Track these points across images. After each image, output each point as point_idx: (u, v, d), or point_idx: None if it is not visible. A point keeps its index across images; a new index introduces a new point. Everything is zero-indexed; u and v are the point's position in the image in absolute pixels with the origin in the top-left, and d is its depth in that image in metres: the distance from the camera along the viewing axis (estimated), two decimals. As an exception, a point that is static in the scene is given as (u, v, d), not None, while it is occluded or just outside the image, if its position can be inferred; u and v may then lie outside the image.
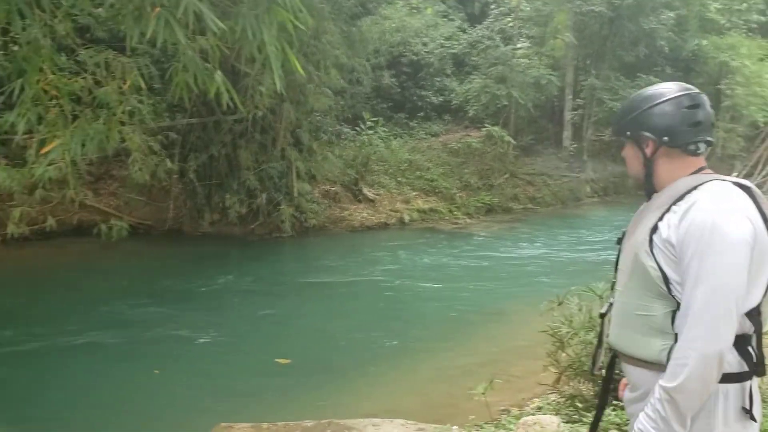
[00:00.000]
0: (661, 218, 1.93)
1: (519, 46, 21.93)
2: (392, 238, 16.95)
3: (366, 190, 17.99)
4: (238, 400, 7.39)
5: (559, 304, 5.31)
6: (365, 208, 17.72)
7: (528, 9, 24.30)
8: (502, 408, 7.06)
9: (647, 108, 2.04)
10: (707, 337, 1.77)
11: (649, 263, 1.92)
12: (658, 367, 1.89)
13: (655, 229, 1.93)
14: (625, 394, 2.16)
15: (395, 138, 21.33)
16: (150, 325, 9.96)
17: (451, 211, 18.83)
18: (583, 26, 22.62)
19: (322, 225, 16.56)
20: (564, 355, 5.13)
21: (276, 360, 7.95)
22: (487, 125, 20.98)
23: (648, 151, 2.05)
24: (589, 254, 14.82)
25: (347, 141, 18.92)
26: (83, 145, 3.28)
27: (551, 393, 7.72)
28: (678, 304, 1.88)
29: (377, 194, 18.27)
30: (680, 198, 1.93)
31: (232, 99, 3.61)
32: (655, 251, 1.91)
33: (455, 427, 5.83)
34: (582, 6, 19.70)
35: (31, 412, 6.96)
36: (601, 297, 4.92)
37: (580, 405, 5.06)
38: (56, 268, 13.35)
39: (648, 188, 2.09)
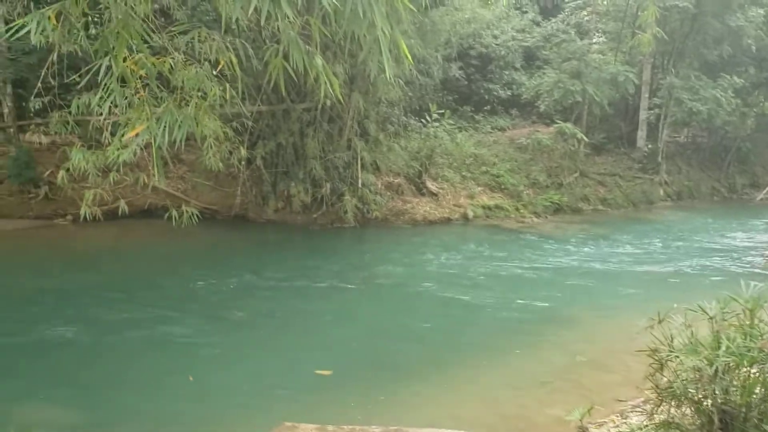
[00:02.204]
0: None
1: (595, 41, 21.08)
2: (455, 234, 16.55)
3: (430, 184, 17.62)
4: (298, 398, 7.21)
5: (660, 322, 4.82)
6: (428, 201, 17.37)
7: (605, 3, 23.41)
8: (580, 425, 6.65)
9: None
10: None
11: None
12: None
13: None
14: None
15: (460, 131, 20.89)
16: (202, 314, 9.97)
17: (517, 209, 18.28)
18: (664, 22, 21.52)
19: (384, 217, 16.31)
20: (664, 378, 4.66)
21: (316, 372, 7.73)
22: (557, 121, 20.29)
23: None
24: (663, 263, 14.08)
25: (412, 132, 18.57)
26: (170, 132, 3.08)
27: (633, 412, 7.27)
28: None
29: (441, 188, 17.89)
30: None
31: (330, 85, 3.33)
32: None
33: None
34: (665, 0, 18.71)
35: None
36: (712, 318, 4.43)
37: (676, 434, 4.62)
38: (122, 250, 13.61)
39: None
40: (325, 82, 3.34)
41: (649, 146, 22.21)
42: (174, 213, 6.69)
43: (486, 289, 12.09)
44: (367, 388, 7.50)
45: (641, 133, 22.40)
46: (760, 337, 4.07)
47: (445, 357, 9.00)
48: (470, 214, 17.36)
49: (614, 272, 13.46)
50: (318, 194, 15.16)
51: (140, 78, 3.31)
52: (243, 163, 13.54)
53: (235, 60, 3.49)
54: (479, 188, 18.46)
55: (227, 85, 4.15)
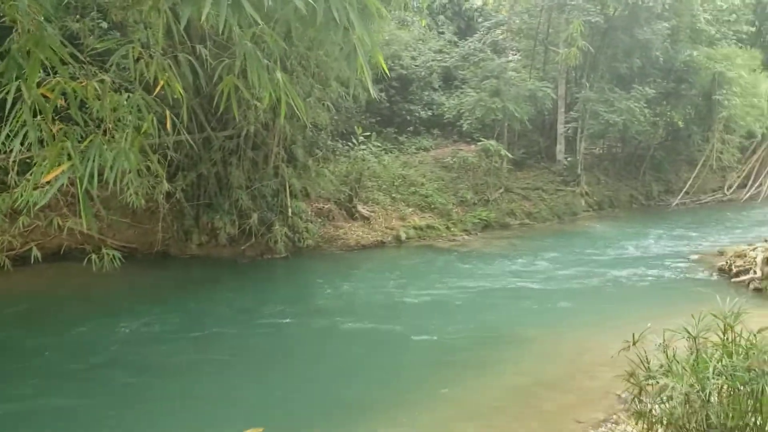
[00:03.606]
0: None
1: (510, 58, 21.47)
2: (389, 257, 16.22)
3: (361, 207, 17.27)
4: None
5: (634, 343, 4.59)
6: (360, 225, 17.00)
7: (518, 22, 23.96)
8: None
9: None
10: None
11: None
12: None
13: None
14: None
15: (387, 153, 20.71)
16: (114, 364, 9.19)
17: (448, 228, 18.18)
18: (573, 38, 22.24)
19: (317, 244, 15.81)
20: (652, 405, 4.40)
21: None
22: (480, 139, 20.46)
23: None
24: (594, 274, 14.21)
25: (340, 156, 18.21)
26: (93, 169, 2.56)
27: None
28: None
29: (372, 211, 17.57)
30: None
31: (295, 107, 2.89)
32: None
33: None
34: (577, 17, 19.28)
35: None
36: (695, 338, 4.22)
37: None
38: (31, 297, 12.43)
39: None
40: (288, 103, 2.91)
41: (569, 159, 22.72)
42: (94, 257, 6.05)
43: (425, 315, 11.74)
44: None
45: (560, 147, 22.90)
46: (745, 355, 3.90)
47: (392, 394, 8.56)
48: (403, 235, 17.10)
49: (550, 286, 13.47)
50: (245, 225, 14.47)
51: (59, 107, 2.78)
52: (163, 196, 12.72)
53: (179, 86, 3.00)
54: (410, 209, 18.26)
55: (167, 112, 3.62)
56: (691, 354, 4.22)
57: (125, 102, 3.12)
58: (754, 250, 12.81)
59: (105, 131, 2.84)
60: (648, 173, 24.22)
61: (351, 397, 8.31)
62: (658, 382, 4.08)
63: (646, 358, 4.58)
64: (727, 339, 4.25)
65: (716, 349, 4.19)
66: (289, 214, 14.72)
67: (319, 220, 16.21)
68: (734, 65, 20.48)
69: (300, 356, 9.92)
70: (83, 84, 2.81)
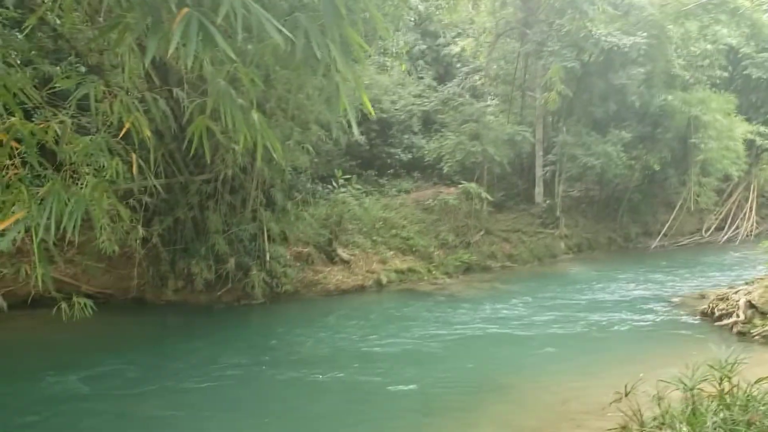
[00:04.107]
0: None
1: (489, 103, 21.68)
2: (369, 302, 15.95)
3: (340, 251, 17.04)
4: None
5: (627, 394, 4.40)
6: (340, 270, 16.74)
7: (495, 68, 24.32)
8: None
9: None
10: None
11: None
12: None
13: None
14: None
15: (367, 195, 20.63)
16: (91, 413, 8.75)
17: (429, 271, 18.00)
18: (552, 83, 22.57)
19: (295, 290, 15.49)
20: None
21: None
22: (460, 182, 20.50)
23: None
24: (575, 319, 14.02)
25: (320, 199, 18.05)
26: (57, 218, 2.37)
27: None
28: None
29: (352, 254, 17.34)
30: None
31: (271, 149, 2.73)
32: None
33: None
34: (554, 63, 19.58)
35: None
36: (692, 390, 4.04)
37: None
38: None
39: None
40: (264, 145, 2.75)
41: (547, 202, 22.82)
42: (64, 306, 5.79)
43: (404, 364, 11.35)
44: None
45: (539, 190, 23.02)
46: (744, 407, 3.74)
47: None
48: (384, 279, 16.86)
49: (531, 332, 13.22)
50: (222, 270, 14.16)
51: (15, 151, 2.59)
52: (139, 242, 12.41)
53: (144, 122, 2.83)
54: (391, 252, 18.07)
55: (134, 156, 3.43)
56: (687, 406, 4.03)
57: (88, 144, 2.93)
58: (736, 293, 12.76)
59: (66, 177, 2.65)
60: (626, 215, 24.36)
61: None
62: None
63: (639, 410, 4.38)
64: (723, 390, 4.08)
65: (712, 401, 4.01)
66: (267, 258, 14.45)
67: (298, 264, 15.93)
68: (709, 109, 20.85)
69: (272, 409, 9.43)
70: (41, 125, 2.62)
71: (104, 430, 8.68)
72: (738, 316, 12.04)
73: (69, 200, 2.42)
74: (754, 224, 25.69)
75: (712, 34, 23.28)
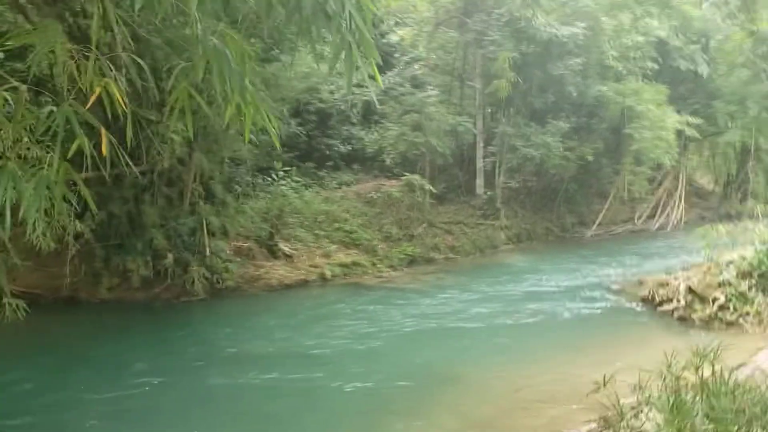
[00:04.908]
0: None
1: (430, 93, 21.56)
2: (313, 297, 15.60)
3: (282, 245, 16.59)
4: None
5: (605, 384, 4.28)
6: (283, 264, 16.29)
7: (434, 57, 24.26)
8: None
9: None
10: None
11: None
12: None
13: None
14: None
15: (307, 188, 20.22)
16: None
17: (374, 264, 17.76)
18: (491, 73, 22.68)
19: (237, 285, 14.96)
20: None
21: None
22: (401, 174, 20.36)
23: None
24: (519, 309, 14.06)
25: (260, 192, 17.52)
26: (3, 206, 1.98)
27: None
28: None
29: (294, 249, 16.92)
30: None
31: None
32: None
33: None
34: (494, 52, 19.65)
35: None
36: (677, 378, 3.94)
37: None
38: None
39: None
40: (209, 133, 2.41)
41: (488, 193, 22.95)
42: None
43: (352, 360, 10.99)
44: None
45: (479, 181, 23.12)
46: (731, 396, 3.66)
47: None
48: (328, 273, 16.52)
49: (476, 323, 13.18)
50: (160, 266, 13.51)
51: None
52: (70, 237, 11.62)
53: (115, 88, 2.41)
54: (334, 246, 17.73)
55: (103, 131, 2.98)
56: (670, 395, 3.93)
57: (47, 117, 2.49)
58: (675, 279, 13.08)
59: (20, 156, 2.24)
60: (562, 206, 24.81)
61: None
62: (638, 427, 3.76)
63: (618, 401, 4.26)
64: (703, 378, 4.00)
65: (693, 390, 3.92)
66: (207, 253, 13.88)
67: (239, 259, 15.39)
68: (642, 100, 21.41)
69: (211, 415, 8.78)
70: None
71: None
72: (678, 301, 12.35)
73: (26, 184, 2.04)
74: (683, 212, 26.67)
75: (643, 25, 23.89)
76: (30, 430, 8.22)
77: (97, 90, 2.43)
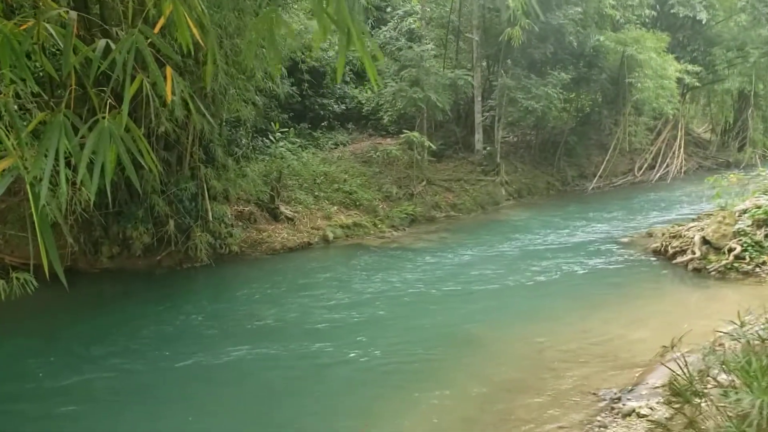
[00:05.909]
0: None
1: (428, 47, 20.94)
2: (318, 259, 15.30)
3: (283, 208, 16.22)
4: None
5: (672, 347, 4.01)
6: (285, 227, 15.96)
7: (429, 11, 23.54)
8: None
9: None
10: None
11: None
12: None
13: None
14: None
15: (304, 150, 19.77)
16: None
17: (375, 224, 17.46)
18: (489, 24, 22.08)
19: (240, 250, 14.64)
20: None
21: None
22: (398, 132, 19.91)
23: None
24: (525, 266, 13.80)
25: (259, 155, 17.05)
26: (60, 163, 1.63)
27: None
28: None
29: (296, 212, 16.56)
30: None
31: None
32: None
33: None
34: (493, 1, 19.02)
35: None
36: (749, 341, 3.67)
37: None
38: None
39: None
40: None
41: (487, 149, 22.57)
42: (2, 283, 4.95)
43: (362, 325, 10.67)
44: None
45: (478, 137, 22.71)
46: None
47: (350, 414, 7.71)
48: (330, 235, 16.21)
49: (489, 282, 12.93)
50: (162, 233, 13.12)
51: None
52: (77, 205, 11.16)
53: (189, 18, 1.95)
54: (335, 207, 17.39)
55: (169, 70, 2.57)
56: (744, 357, 3.66)
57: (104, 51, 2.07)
58: (688, 230, 12.88)
59: (68, 105, 1.85)
60: (562, 159, 24.50)
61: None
62: (723, 395, 3.50)
63: (686, 365, 3.99)
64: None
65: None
66: (210, 218, 13.49)
67: (241, 223, 15.04)
68: (644, 48, 20.90)
69: (218, 385, 8.49)
70: (24, 27, 1.79)
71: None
72: (693, 252, 12.16)
73: (89, 136, 1.68)
74: (683, 162, 26.45)
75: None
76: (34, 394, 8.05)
77: (168, 11, 1.99)
